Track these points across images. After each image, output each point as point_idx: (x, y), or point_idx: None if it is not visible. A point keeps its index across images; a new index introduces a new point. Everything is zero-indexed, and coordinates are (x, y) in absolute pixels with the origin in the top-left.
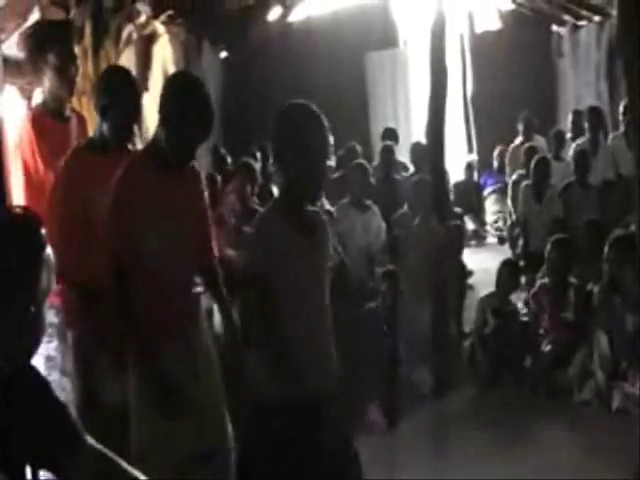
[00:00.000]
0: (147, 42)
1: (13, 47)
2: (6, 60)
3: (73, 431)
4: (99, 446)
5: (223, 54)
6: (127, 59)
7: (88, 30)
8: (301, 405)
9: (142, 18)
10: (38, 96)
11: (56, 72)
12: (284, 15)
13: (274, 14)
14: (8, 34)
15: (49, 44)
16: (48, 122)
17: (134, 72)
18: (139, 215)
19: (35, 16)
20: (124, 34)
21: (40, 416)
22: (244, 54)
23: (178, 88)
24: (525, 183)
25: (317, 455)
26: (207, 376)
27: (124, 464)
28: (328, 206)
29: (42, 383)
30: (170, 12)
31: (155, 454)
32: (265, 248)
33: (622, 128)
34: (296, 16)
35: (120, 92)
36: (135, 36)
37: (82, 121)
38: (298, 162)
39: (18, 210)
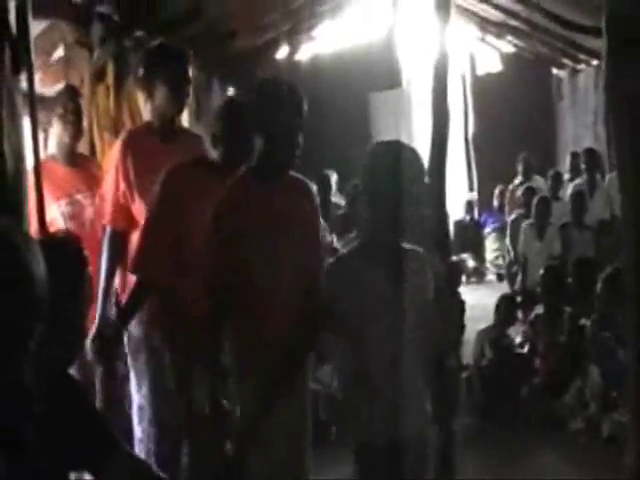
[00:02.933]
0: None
1: (37, 83)
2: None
3: (109, 436)
4: (134, 452)
5: (231, 91)
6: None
7: (110, 69)
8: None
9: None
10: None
11: (168, 91)
12: (291, 54)
13: (282, 53)
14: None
15: (164, 63)
16: (150, 141)
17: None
18: (241, 234)
19: (59, 53)
20: None
21: (79, 420)
22: (252, 91)
23: (273, 95)
24: (527, 222)
25: None
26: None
27: (157, 471)
28: (335, 242)
29: (80, 390)
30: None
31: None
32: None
33: None
34: (303, 55)
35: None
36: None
37: (194, 140)
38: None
39: (61, 233)
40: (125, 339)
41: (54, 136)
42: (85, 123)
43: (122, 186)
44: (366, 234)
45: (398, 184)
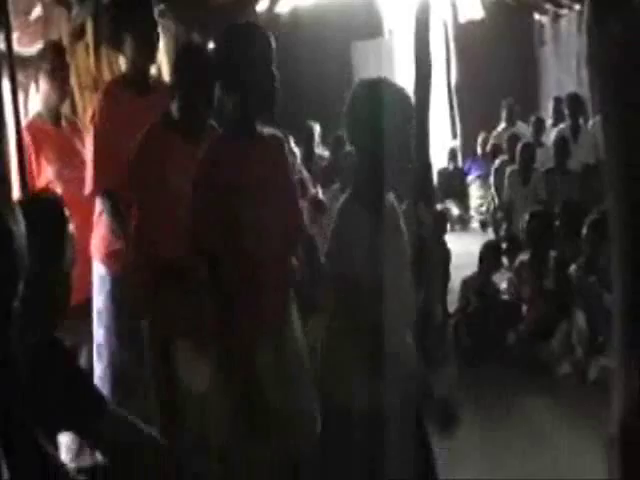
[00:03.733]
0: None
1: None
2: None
3: (97, 396)
4: (122, 411)
5: (212, 45)
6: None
7: (89, 26)
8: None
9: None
10: (35, 90)
11: (134, 40)
12: (271, 6)
13: (262, 5)
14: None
15: (128, 12)
16: (126, 95)
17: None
18: (226, 192)
19: (37, 12)
20: None
21: (65, 383)
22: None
23: (245, 40)
24: (510, 168)
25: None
26: (298, 382)
27: (147, 428)
28: (320, 194)
29: (65, 352)
30: (162, 6)
31: (234, 457)
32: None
33: None
34: (283, 7)
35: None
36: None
37: (164, 90)
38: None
39: (40, 192)
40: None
41: (41, 94)
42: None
43: (100, 143)
44: (354, 185)
45: (383, 127)
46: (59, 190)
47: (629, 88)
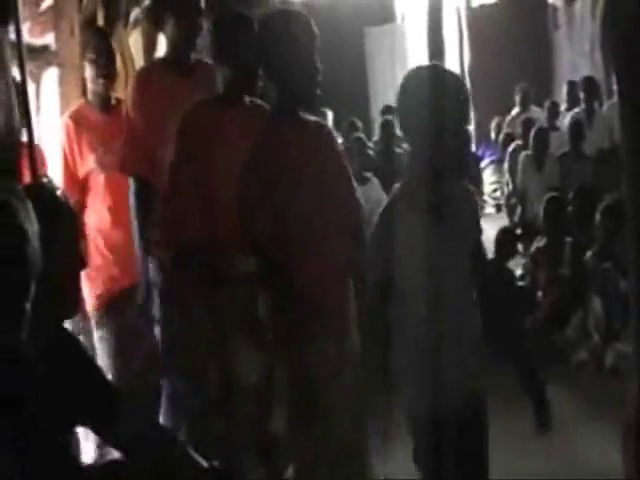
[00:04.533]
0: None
1: (26, 33)
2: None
3: (110, 392)
4: (138, 407)
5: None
6: (135, 41)
7: (101, 15)
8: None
9: (147, 1)
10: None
11: (177, 20)
12: None
13: None
14: (22, 21)
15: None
16: (166, 77)
17: (141, 53)
18: (274, 178)
19: (48, 2)
20: (132, 17)
21: (78, 377)
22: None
23: (281, 26)
24: (524, 153)
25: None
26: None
27: (161, 423)
28: None
29: (78, 347)
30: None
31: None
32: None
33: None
34: None
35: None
36: (141, 18)
37: (207, 71)
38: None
39: (41, 182)
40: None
41: (88, 81)
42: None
43: (140, 128)
44: (407, 175)
45: (441, 116)
46: (101, 179)
47: None
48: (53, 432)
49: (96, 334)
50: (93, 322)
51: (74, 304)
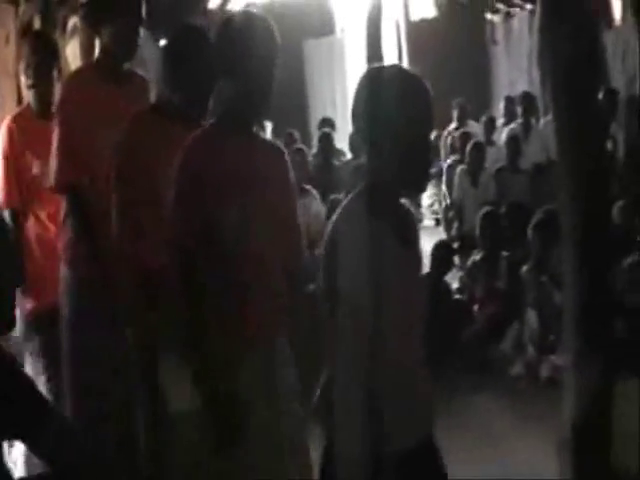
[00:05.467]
0: (90, 32)
1: None
2: None
3: (42, 403)
4: (67, 418)
5: (162, 42)
6: (72, 49)
7: (37, 23)
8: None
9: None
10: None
11: (119, 25)
12: (224, 3)
13: (214, 3)
14: None
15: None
16: (98, 83)
17: (79, 61)
18: (211, 189)
19: None
20: (69, 25)
21: (9, 390)
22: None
23: (241, 33)
24: (460, 167)
25: None
26: (287, 404)
27: (87, 435)
28: None
29: (9, 359)
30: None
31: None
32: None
33: None
34: (235, 4)
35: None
36: (79, 27)
37: (142, 83)
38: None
39: None
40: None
41: (28, 89)
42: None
43: (66, 133)
44: (365, 189)
45: (408, 120)
46: (43, 186)
47: (579, 85)
48: None
49: (25, 348)
50: (22, 336)
51: (9, 321)
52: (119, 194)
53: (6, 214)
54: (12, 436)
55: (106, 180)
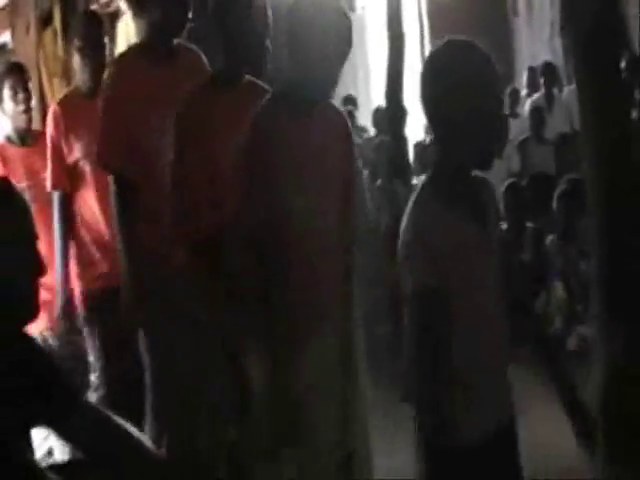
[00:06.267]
0: (111, 19)
1: None
2: None
3: (69, 389)
4: (96, 404)
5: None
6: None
7: (57, 12)
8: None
9: None
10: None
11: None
12: None
13: None
14: None
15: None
16: (145, 64)
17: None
18: (276, 171)
19: (4, 1)
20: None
21: (36, 376)
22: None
23: (307, 12)
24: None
25: None
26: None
27: (121, 421)
28: None
29: (33, 344)
30: None
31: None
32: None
33: None
34: None
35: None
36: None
37: (194, 57)
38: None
39: None
40: None
41: (76, 70)
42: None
43: (116, 118)
44: (439, 167)
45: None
46: (87, 169)
47: (601, 53)
48: (7, 437)
49: (84, 332)
50: (81, 320)
51: (30, 311)
52: (177, 171)
53: (55, 197)
54: (44, 424)
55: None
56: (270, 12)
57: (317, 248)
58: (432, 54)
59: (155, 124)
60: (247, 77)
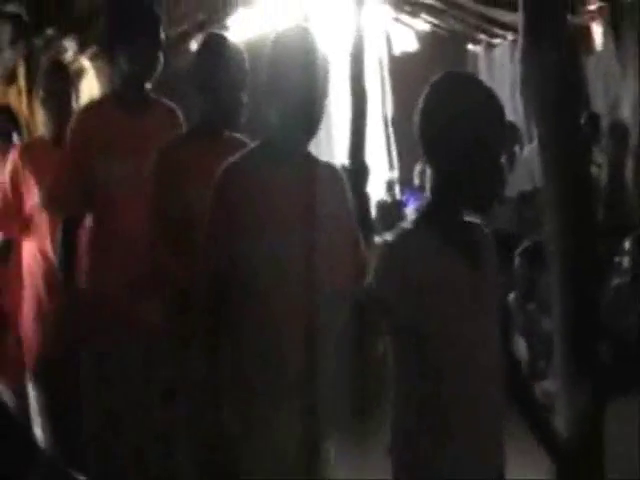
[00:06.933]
0: (75, 78)
1: None
2: None
3: (27, 442)
4: (54, 459)
5: (148, 86)
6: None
7: (22, 70)
8: None
9: (69, 54)
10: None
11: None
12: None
13: (195, 44)
14: None
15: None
16: (116, 114)
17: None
18: (246, 218)
19: None
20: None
21: None
22: (167, 84)
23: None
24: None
25: None
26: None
27: (81, 478)
28: None
29: None
30: (95, 48)
31: None
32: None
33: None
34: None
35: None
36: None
37: (168, 112)
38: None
39: None
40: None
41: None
42: None
43: (76, 161)
44: (430, 203)
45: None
46: (44, 216)
47: (562, 112)
48: None
49: (31, 393)
50: (30, 382)
51: None
52: (156, 215)
53: None
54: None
55: (125, 209)
56: (247, 65)
57: (285, 307)
58: (433, 84)
59: (118, 173)
60: (227, 132)
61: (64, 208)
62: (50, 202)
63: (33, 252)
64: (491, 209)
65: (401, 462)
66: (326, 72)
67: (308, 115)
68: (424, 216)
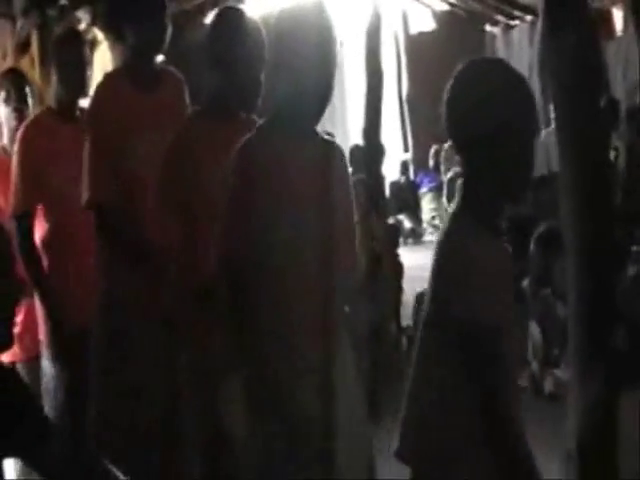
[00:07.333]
0: (89, 49)
1: None
2: None
3: (42, 418)
4: (67, 433)
5: (160, 57)
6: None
7: (35, 40)
8: None
9: (82, 25)
10: None
11: (143, 24)
12: None
13: (210, 18)
14: None
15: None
16: (128, 90)
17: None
18: (261, 198)
19: None
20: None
21: (9, 407)
22: (180, 57)
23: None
24: (462, 180)
25: None
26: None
27: (93, 450)
28: None
29: (9, 375)
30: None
31: None
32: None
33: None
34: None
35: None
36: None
37: (176, 83)
38: None
39: None
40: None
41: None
42: None
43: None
44: (469, 198)
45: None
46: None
47: (581, 95)
48: None
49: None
50: (46, 359)
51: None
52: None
53: (12, 222)
54: (12, 455)
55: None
56: (264, 41)
57: (298, 288)
58: (460, 72)
59: (140, 150)
60: (242, 113)
61: (100, 194)
62: (89, 188)
63: (63, 223)
64: (523, 197)
65: None
66: (336, 48)
67: (319, 90)
68: (465, 209)
